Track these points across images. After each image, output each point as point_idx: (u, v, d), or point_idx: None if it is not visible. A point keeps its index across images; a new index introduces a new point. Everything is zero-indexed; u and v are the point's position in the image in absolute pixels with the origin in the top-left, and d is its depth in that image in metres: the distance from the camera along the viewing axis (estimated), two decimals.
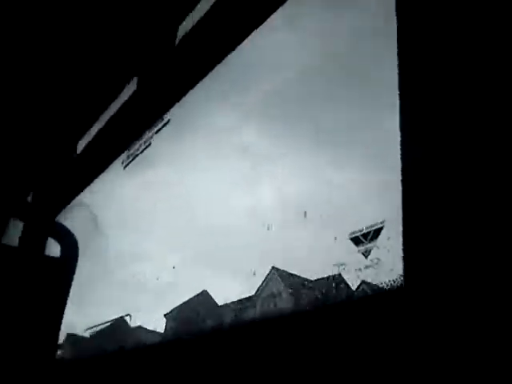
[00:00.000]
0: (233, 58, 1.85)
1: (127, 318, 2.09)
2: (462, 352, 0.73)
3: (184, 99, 2.13)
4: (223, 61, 1.94)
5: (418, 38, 0.94)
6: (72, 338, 2.18)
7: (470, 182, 0.81)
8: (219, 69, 1.98)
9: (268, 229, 1.38)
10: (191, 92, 2.10)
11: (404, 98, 0.94)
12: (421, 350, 0.82)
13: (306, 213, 1.47)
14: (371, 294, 1.07)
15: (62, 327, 2.45)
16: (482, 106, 0.78)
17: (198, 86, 2.08)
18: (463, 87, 0.83)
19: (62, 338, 2.32)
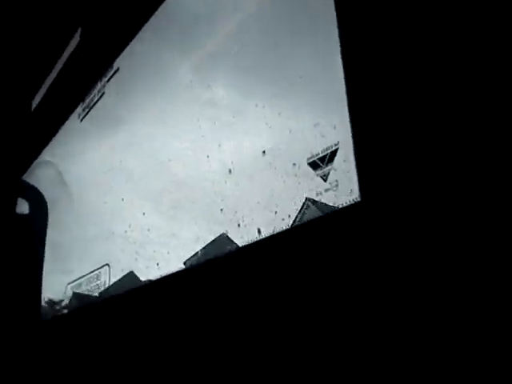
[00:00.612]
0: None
1: (104, 269, 2.15)
2: (418, 257, 0.82)
3: (133, 48, 2.11)
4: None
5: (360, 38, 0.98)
6: (77, 295, 2.21)
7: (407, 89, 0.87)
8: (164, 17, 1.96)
9: (230, 172, 1.42)
10: (139, 40, 2.08)
11: None
12: (377, 257, 0.91)
13: (264, 152, 1.51)
14: (334, 211, 1.15)
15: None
16: None
17: (146, 36, 2.05)
18: None
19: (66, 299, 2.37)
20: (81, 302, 2.24)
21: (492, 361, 0.71)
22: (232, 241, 1.56)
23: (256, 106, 1.59)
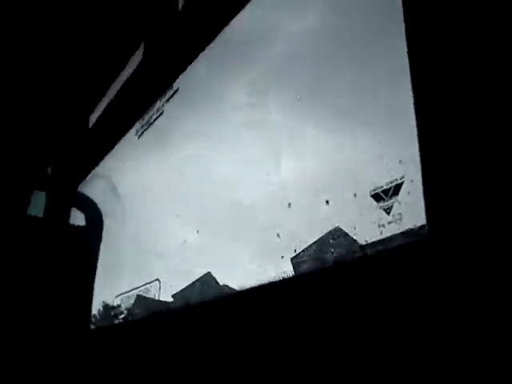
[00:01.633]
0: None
1: (155, 284, 2.18)
2: (485, 304, 0.79)
3: (190, 72, 2.16)
4: (227, 27, 1.96)
5: (427, 37, 0.97)
6: (142, 299, 2.23)
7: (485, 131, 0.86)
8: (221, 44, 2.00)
9: (289, 206, 1.43)
10: (197, 66, 2.13)
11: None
12: (445, 302, 0.89)
13: (327, 202, 1.51)
14: (397, 246, 1.14)
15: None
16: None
17: (204, 61, 2.10)
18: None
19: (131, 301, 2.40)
20: (143, 305, 2.27)
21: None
22: None
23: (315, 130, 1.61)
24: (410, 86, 1.07)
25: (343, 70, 1.63)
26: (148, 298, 2.19)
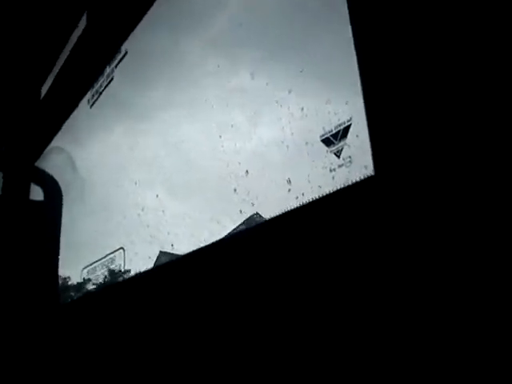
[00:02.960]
0: None
1: (119, 253, 2.16)
2: (429, 232, 0.82)
3: (141, 32, 2.10)
4: None
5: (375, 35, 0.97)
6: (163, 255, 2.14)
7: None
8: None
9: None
10: (144, 24, 2.07)
11: None
12: (390, 231, 0.91)
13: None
14: (347, 185, 1.15)
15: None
16: None
17: (153, 18, 2.04)
18: None
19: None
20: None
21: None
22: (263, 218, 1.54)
23: (266, 84, 1.59)
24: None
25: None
26: (171, 254, 2.12)
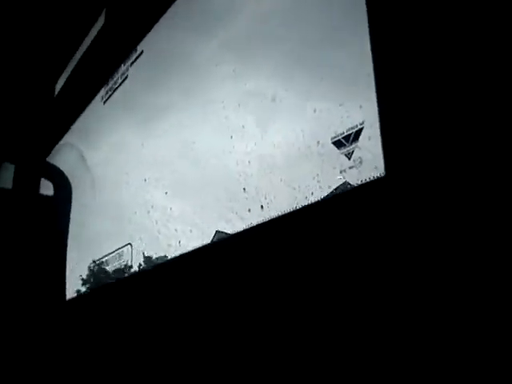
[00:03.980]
0: None
1: (127, 248, 2.18)
2: (439, 232, 0.83)
3: (157, 31, 2.12)
4: None
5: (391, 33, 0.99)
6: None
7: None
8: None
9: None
10: (164, 23, 2.09)
11: None
12: (400, 231, 0.92)
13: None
14: (356, 186, 1.16)
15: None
16: None
17: (171, 19, 2.06)
18: None
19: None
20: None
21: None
22: None
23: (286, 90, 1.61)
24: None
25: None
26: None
